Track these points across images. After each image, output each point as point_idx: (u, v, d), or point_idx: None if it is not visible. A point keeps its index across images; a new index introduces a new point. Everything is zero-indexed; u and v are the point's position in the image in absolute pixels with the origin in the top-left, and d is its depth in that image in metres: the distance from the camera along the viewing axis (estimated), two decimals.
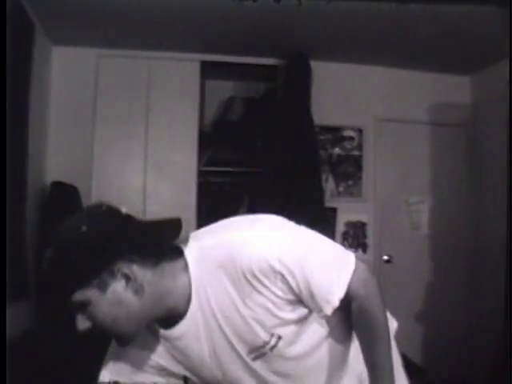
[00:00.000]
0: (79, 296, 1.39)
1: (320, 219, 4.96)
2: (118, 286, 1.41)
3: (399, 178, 5.51)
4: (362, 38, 4.76)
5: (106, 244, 1.39)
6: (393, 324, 1.76)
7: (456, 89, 5.60)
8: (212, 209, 5.42)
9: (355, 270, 1.50)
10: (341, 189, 5.42)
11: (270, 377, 1.59)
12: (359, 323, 1.56)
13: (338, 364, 1.66)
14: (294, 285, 1.44)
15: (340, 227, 5.34)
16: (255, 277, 1.41)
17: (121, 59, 5.09)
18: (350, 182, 5.45)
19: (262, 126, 5.26)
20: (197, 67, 5.17)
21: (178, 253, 1.50)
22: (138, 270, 1.42)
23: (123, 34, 4.76)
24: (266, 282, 1.42)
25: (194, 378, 1.65)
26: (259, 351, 1.53)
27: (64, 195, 4.64)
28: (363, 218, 5.41)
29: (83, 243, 1.37)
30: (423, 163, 5.54)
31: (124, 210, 1.51)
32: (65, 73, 5.03)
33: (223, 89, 5.74)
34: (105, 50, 5.04)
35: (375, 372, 1.52)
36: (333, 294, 1.46)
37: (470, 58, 5.11)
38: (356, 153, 5.50)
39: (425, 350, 5.24)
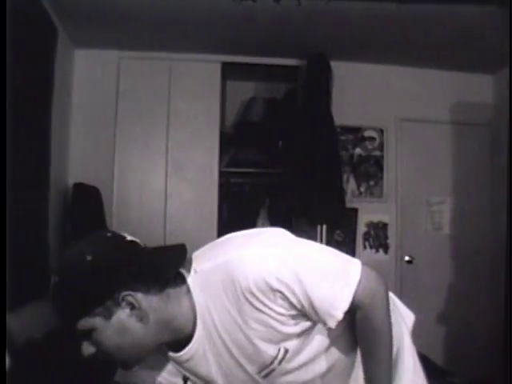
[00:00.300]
0: (84, 323, 1.41)
1: (341, 220, 4.95)
2: (122, 314, 1.42)
3: (420, 179, 5.48)
4: (382, 37, 4.73)
5: (110, 273, 1.41)
6: (410, 316, 1.75)
7: (478, 88, 5.56)
8: (233, 209, 5.43)
9: (360, 280, 1.46)
10: (362, 189, 5.40)
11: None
12: (362, 332, 1.54)
13: (343, 372, 1.66)
14: (294, 301, 1.42)
15: (361, 228, 5.32)
16: (254, 296, 1.40)
17: (142, 61, 5.12)
18: (371, 183, 5.43)
19: (283, 126, 5.26)
20: (218, 68, 5.18)
21: (181, 278, 1.50)
22: (142, 298, 1.42)
23: (144, 35, 4.78)
24: (266, 300, 1.41)
25: None
26: (268, 368, 1.52)
27: (86, 196, 4.67)
28: (384, 219, 5.38)
29: (87, 272, 1.39)
30: (445, 163, 5.50)
31: (129, 237, 1.58)
32: (87, 75, 5.06)
33: (244, 89, 5.74)
34: (126, 52, 5.08)
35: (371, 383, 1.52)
36: (336, 307, 1.44)
37: (493, 57, 5.06)
38: (377, 153, 5.47)
39: (446, 351, 5.20)
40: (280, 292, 1.40)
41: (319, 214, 4.77)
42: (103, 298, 1.40)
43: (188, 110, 5.13)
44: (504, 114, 5.34)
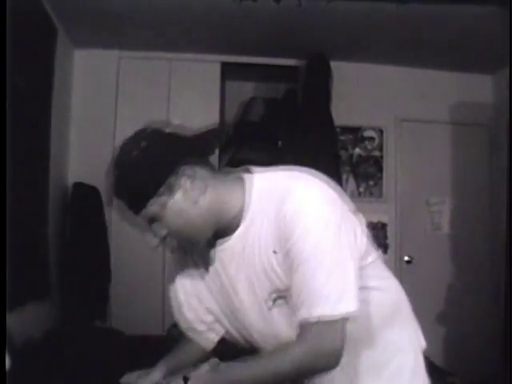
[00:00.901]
0: (152, 208, 1.47)
1: None
2: (185, 188, 1.48)
3: (420, 179, 5.48)
4: (382, 37, 4.74)
5: (167, 151, 1.52)
6: (421, 342, 1.74)
7: (478, 88, 5.56)
8: None
9: (343, 321, 1.41)
10: (361, 189, 5.41)
11: (282, 327, 1.54)
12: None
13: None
14: (289, 268, 1.43)
15: None
16: (286, 225, 1.42)
17: (142, 61, 5.13)
18: (371, 183, 5.44)
19: (282, 126, 5.26)
20: (217, 68, 5.19)
21: (239, 178, 1.58)
22: (200, 171, 1.50)
23: (144, 35, 4.79)
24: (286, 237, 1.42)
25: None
26: (280, 293, 1.49)
27: (85, 196, 4.67)
28: (384, 219, 5.39)
29: (146, 155, 1.48)
30: (444, 163, 5.50)
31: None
32: (87, 75, 5.06)
33: (244, 89, 5.74)
34: (126, 52, 5.08)
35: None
36: (316, 307, 1.40)
37: (492, 57, 5.06)
38: (377, 153, 5.48)
39: (446, 351, 5.20)
40: (289, 249, 1.42)
41: None
42: (165, 175, 1.46)
43: (188, 109, 5.13)
44: (503, 114, 5.35)
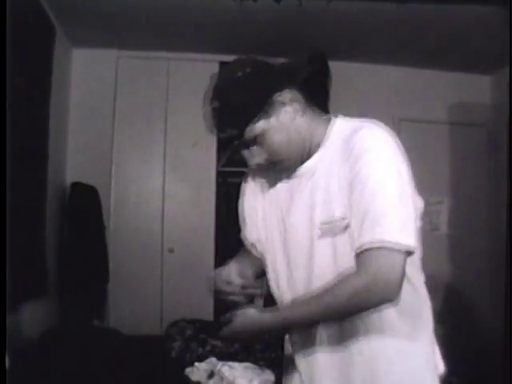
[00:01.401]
0: (257, 127, 1.56)
1: None
2: (288, 109, 1.60)
3: (418, 178, 5.46)
4: (381, 37, 4.74)
5: (270, 75, 1.60)
6: (439, 366, 1.77)
7: (476, 88, 5.55)
8: (231, 209, 5.42)
9: (404, 255, 1.43)
10: None
11: (326, 260, 1.55)
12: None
13: None
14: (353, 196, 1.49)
15: None
16: (356, 150, 1.53)
17: (140, 60, 5.13)
18: None
19: None
20: (216, 68, 5.18)
21: (323, 115, 1.71)
22: (297, 96, 1.63)
23: (142, 35, 4.78)
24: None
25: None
26: (332, 224, 1.52)
27: (83, 196, 4.67)
28: None
29: (253, 77, 1.58)
30: (443, 163, 5.49)
31: None
32: (85, 74, 5.05)
33: None
34: (124, 52, 5.07)
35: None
36: (379, 232, 1.41)
37: (491, 58, 5.07)
38: None
39: (444, 351, 5.19)
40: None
41: None
42: (270, 96, 1.57)
43: (186, 109, 5.12)
44: (502, 115, 5.35)
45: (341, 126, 1.64)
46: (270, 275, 1.76)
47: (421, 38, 4.72)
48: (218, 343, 3.99)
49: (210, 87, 1.61)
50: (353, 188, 1.48)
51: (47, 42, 4.18)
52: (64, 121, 4.88)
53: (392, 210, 1.45)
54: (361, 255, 1.43)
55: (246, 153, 1.65)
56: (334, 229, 1.52)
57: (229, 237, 5.28)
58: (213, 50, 5.12)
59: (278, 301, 1.72)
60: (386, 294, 1.42)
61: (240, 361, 3.61)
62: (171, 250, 5.04)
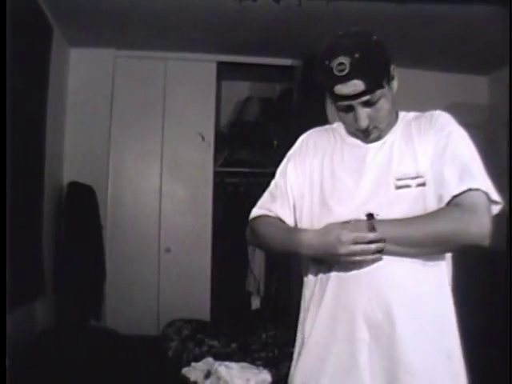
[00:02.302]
0: (382, 90, 1.69)
1: None
2: (394, 83, 1.77)
3: None
4: (378, 38, 4.73)
5: (388, 48, 1.75)
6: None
7: (473, 89, 5.56)
8: (228, 209, 5.43)
9: (490, 205, 1.69)
10: None
11: (404, 208, 1.70)
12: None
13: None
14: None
15: None
16: (439, 119, 1.85)
17: (137, 60, 5.12)
18: None
19: (278, 126, 5.26)
20: (213, 68, 5.19)
21: None
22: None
23: (140, 34, 4.77)
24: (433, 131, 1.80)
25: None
26: (407, 181, 1.72)
27: (80, 195, 4.66)
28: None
29: (380, 46, 1.74)
30: None
31: None
32: (82, 74, 5.03)
33: (239, 89, 5.75)
34: (122, 51, 5.06)
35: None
36: (469, 180, 1.68)
37: (488, 58, 5.07)
38: None
39: None
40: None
41: None
42: (389, 67, 1.74)
43: (183, 109, 5.13)
44: (499, 115, 5.37)
45: (402, 113, 1.88)
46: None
47: (419, 39, 4.72)
48: (215, 343, 3.99)
49: (330, 43, 1.75)
50: (445, 148, 1.75)
51: (45, 42, 4.17)
52: (61, 120, 4.87)
53: (483, 170, 1.76)
54: (460, 196, 1.65)
55: (362, 112, 1.70)
56: (409, 184, 1.72)
57: (225, 236, 5.31)
58: (210, 50, 5.12)
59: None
60: (481, 236, 1.66)
61: (237, 361, 3.61)
62: (168, 250, 5.04)
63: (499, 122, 5.39)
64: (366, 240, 1.59)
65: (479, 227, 1.63)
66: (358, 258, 1.60)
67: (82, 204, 4.66)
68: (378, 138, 1.80)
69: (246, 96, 5.68)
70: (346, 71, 1.63)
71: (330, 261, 1.68)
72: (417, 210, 1.69)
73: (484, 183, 1.68)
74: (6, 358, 1.95)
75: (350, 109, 1.71)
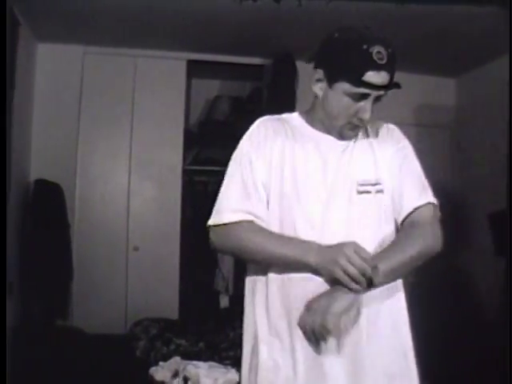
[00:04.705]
0: (386, 93, 1.74)
1: None
2: None
3: None
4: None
5: None
6: None
7: (441, 91, 5.63)
8: (196, 208, 5.41)
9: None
10: None
11: (366, 212, 1.79)
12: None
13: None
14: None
15: None
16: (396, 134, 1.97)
17: (107, 57, 5.07)
18: None
19: (247, 125, 5.25)
20: (183, 66, 5.17)
21: None
22: None
23: (109, 31, 4.73)
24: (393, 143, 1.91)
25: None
26: (368, 187, 1.79)
27: (47, 193, 4.61)
28: None
29: None
30: None
31: None
32: (50, 70, 4.98)
33: (209, 88, 5.74)
34: (91, 47, 5.01)
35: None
36: (430, 196, 1.90)
37: (456, 61, 5.14)
38: None
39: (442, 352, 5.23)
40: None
41: None
42: None
43: (152, 107, 5.10)
44: (466, 117, 5.44)
45: None
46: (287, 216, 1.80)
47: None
48: (183, 342, 3.98)
49: (363, 31, 1.72)
50: (403, 160, 1.89)
51: (10, 36, 4.11)
52: (28, 116, 4.80)
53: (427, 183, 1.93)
54: (418, 211, 1.83)
55: (370, 105, 1.73)
56: (368, 190, 1.79)
57: (194, 235, 5.29)
58: (180, 48, 5.10)
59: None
60: (440, 245, 1.84)
61: (205, 360, 3.60)
62: (136, 249, 5.01)
63: (465, 123, 5.47)
64: (366, 260, 1.59)
65: (438, 238, 1.84)
66: (352, 273, 1.59)
67: (49, 202, 4.61)
68: (353, 138, 1.84)
69: (215, 94, 5.67)
70: (384, 61, 1.65)
71: (327, 274, 1.66)
72: (374, 216, 1.81)
73: (433, 196, 1.91)
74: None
75: (363, 98, 1.72)
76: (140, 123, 5.08)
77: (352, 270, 1.57)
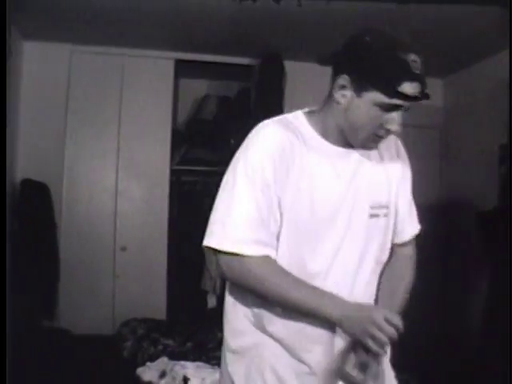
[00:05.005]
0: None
1: None
2: None
3: None
4: (336, 39, 4.75)
5: None
6: None
7: (429, 91, 5.64)
8: (184, 208, 5.41)
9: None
10: None
11: (375, 236, 1.76)
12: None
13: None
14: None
15: None
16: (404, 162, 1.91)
17: (94, 56, 5.04)
18: None
19: (235, 125, 5.26)
20: (171, 65, 5.16)
21: None
22: None
23: (97, 30, 4.70)
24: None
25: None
26: (378, 210, 1.74)
27: (34, 193, 4.59)
28: None
29: None
30: None
31: None
32: (37, 69, 4.95)
33: (197, 87, 5.73)
34: (78, 46, 4.98)
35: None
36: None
37: (443, 61, 5.15)
38: None
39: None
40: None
41: None
42: None
43: (140, 106, 5.09)
44: (454, 117, 5.46)
45: None
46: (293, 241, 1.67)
47: None
48: (170, 342, 3.97)
49: (395, 37, 1.65)
50: (403, 184, 1.87)
51: None
52: (14, 116, 4.77)
53: None
54: (410, 240, 1.91)
55: (399, 117, 1.64)
56: (379, 213, 1.75)
57: (181, 235, 5.29)
58: (168, 48, 5.09)
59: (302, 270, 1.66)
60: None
61: (192, 360, 3.60)
62: (124, 249, 4.99)
63: (453, 124, 5.48)
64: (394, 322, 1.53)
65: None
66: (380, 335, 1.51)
67: (36, 202, 4.58)
68: (374, 149, 1.74)
69: (203, 94, 5.66)
70: (419, 70, 1.58)
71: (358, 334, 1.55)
72: (379, 241, 1.77)
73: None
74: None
75: (393, 109, 1.60)
76: (128, 123, 5.06)
77: (382, 338, 1.51)
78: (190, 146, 5.40)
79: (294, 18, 4.27)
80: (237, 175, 1.69)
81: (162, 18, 4.42)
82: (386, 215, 1.76)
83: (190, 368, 3.37)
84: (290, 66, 5.10)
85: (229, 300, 1.81)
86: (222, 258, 1.62)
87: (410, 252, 1.92)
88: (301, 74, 5.27)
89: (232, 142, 5.27)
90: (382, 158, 1.78)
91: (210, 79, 5.79)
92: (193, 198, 5.44)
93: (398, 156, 1.84)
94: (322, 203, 1.65)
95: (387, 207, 1.77)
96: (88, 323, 4.61)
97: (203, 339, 4.10)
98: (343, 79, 1.62)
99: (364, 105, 1.58)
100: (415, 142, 5.58)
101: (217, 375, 3.32)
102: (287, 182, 1.62)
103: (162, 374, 3.37)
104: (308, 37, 4.74)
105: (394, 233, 1.83)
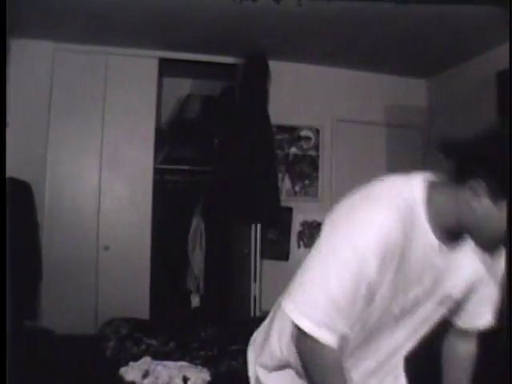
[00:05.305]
0: None
1: (276, 219, 4.98)
2: None
3: (355, 178, 5.52)
4: (320, 39, 4.77)
5: None
6: None
7: (412, 91, 5.68)
8: (167, 207, 5.39)
9: None
10: (297, 188, 5.44)
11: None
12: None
13: None
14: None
15: (296, 227, 5.35)
16: None
17: (78, 54, 5.01)
18: (306, 182, 5.47)
19: (219, 124, 5.26)
20: (155, 64, 5.14)
21: None
22: None
23: (80, 27, 4.68)
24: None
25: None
26: (446, 300, 1.66)
27: (16, 192, 4.56)
28: (319, 218, 5.42)
29: None
30: (379, 164, 5.58)
31: None
32: (19, 66, 4.91)
33: (181, 86, 5.73)
34: (61, 44, 4.95)
35: None
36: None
37: (427, 62, 5.18)
38: (313, 153, 5.52)
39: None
40: None
41: (254, 212, 4.79)
42: None
43: (123, 105, 5.07)
44: (436, 117, 5.49)
45: None
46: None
47: (359, 42, 4.78)
48: (153, 342, 3.96)
49: None
50: (487, 282, 1.70)
51: None
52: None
53: None
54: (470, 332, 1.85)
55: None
56: (446, 302, 1.67)
57: (165, 234, 5.28)
58: (152, 46, 5.07)
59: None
60: None
61: (175, 359, 3.59)
62: (106, 248, 4.97)
63: (436, 124, 5.52)
64: None
65: None
66: None
67: (18, 201, 4.55)
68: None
69: (187, 93, 5.65)
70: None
71: None
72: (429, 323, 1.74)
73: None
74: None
75: None
76: (111, 121, 5.04)
77: None
78: (174, 145, 5.39)
79: (277, 17, 4.28)
80: (340, 254, 1.55)
81: (146, 17, 4.41)
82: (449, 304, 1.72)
83: (172, 368, 3.36)
84: (274, 65, 5.10)
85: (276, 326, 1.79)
86: (305, 339, 1.49)
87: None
88: (285, 73, 5.29)
89: (215, 141, 5.28)
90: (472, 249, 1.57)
91: (194, 78, 5.78)
92: (176, 196, 5.43)
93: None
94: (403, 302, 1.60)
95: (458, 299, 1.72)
96: (70, 323, 4.58)
97: (187, 339, 4.09)
98: (481, 186, 1.38)
99: (501, 213, 1.36)
100: (398, 142, 5.65)
101: (200, 375, 3.32)
102: (386, 275, 1.49)
103: (145, 374, 3.35)
104: (292, 36, 4.75)
105: (457, 314, 1.83)
